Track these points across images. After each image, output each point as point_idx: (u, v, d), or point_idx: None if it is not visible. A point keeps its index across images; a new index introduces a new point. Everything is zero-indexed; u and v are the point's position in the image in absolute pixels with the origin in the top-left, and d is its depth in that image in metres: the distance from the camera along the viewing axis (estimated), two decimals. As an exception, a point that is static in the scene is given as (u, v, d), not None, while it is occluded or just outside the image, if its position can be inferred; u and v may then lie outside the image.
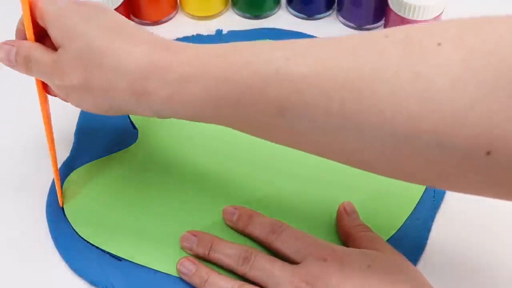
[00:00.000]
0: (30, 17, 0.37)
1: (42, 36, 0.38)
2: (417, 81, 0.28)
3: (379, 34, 0.30)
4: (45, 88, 0.40)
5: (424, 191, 0.44)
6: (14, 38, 0.40)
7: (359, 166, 0.33)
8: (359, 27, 0.57)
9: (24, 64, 0.38)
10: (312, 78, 0.30)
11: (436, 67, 0.28)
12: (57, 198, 0.43)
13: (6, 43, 0.39)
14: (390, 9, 0.53)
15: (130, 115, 0.49)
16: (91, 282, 0.39)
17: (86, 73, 0.35)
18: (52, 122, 0.49)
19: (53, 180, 0.45)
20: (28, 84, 0.53)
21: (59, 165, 0.46)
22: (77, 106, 0.38)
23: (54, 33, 0.36)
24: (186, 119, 0.35)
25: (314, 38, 0.32)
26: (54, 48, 0.37)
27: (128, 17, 0.56)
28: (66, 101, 0.39)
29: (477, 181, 0.29)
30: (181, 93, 0.33)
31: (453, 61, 0.28)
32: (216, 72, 0.32)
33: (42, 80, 0.38)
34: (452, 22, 0.30)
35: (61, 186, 0.44)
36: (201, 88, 0.33)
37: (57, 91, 0.38)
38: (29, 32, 0.38)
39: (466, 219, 0.43)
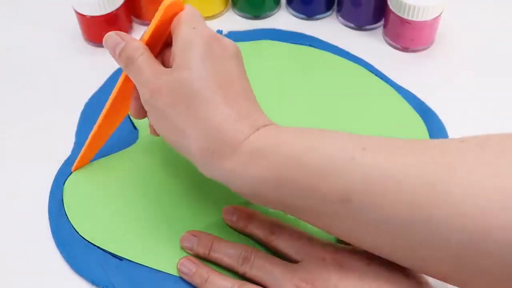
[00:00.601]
0: (158, 22, 0.37)
1: (168, 44, 0.38)
2: (494, 177, 0.28)
3: (454, 139, 0.31)
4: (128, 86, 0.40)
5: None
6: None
7: (421, 264, 0.32)
8: (359, 27, 0.57)
9: (124, 62, 0.38)
10: (385, 168, 0.30)
11: None
12: (59, 198, 0.44)
13: (118, 34, 0.38)
14: (390, 10, 0.53)
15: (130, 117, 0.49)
16: (92, 282, 0.40)
17: (173, 105, 0.35)
18: (52, 123, 0.49)
19: (55, 180, 0.45)
20: (26, 87, 0.53)
21: (59, 165, 0.46)
22: (152, 123, 0.38)
23: (175, 51, 0.36)
24: (239, 194, 0.35)
25: (388, 137, 0.33)
26: (166, 62, 0.38)
27: (129, 18, 0.56)
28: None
29: None
30: (247, 166, 0.33)
31: None
32: (288, 150, 0.32)
33: (134, 83, 0.38)
34: None
35: (62, 189, 0.44)
36: (269, 164, 0.33)
37: (142, 102, 0.37)
38: (147, 35, 0.38)
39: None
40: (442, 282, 0.37)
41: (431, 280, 0.36)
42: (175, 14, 0.37)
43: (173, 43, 0.37)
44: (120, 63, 0.38)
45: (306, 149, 0.32)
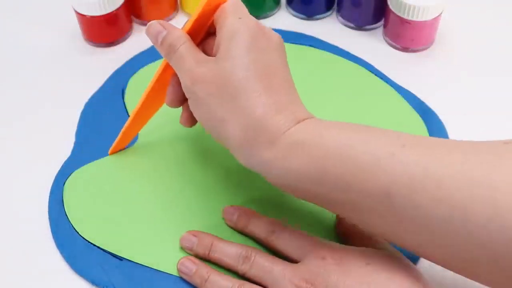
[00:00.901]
0: (201, 12, 0.37)
1: (209, 34, 0.39)
2: None
3: (496, 141, 0.31)
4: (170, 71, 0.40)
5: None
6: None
7: (458, 269, 0.32)
8: (359, 27, 0.57)
9: (166, 50, 0.38)
10: (425, 165, 0.30)
11: None
12: (59, 198, 0.44)
13: (160, 23, 0.39)
14: (390, 10, 0.53)
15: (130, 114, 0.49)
16: (92, 282, 0.40)
17: (215, 93, 0.35)
18: (52, 123, 0.49)
19: (55, 180, 0.45)
20: (26, 87, 0.53)
21: (59, 165, 0.46)
22: (192, 110, 0.38)
23: (219, 40, 0.36)
24: (278, 186, 0.35)
25: (425, 136, 0.33)
26: (208, 51, 0.38)
27: (129, 18, 0.56)
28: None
29: None
30: (286, 158, 0.34)
31: None
32: (329, 144, 0.33)
33: (175, 70, 0.38)
34: None
35: (62, 189, 0.44)
36: (309, 157, 0.33)
37: (183, 89, 0.38)
38: (189, 24, 0.38)
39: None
40: (443, 280, 0.37)
41: (431, 278, 0.36)
42: (218, 4, 0.38)
43: (218, 33, 0.37)
44: (161, 52, 0.39)
45: (347, 143, 0.32)
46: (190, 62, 0.37)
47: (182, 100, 0.40)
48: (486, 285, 0.31)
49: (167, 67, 0.40)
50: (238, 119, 0.35)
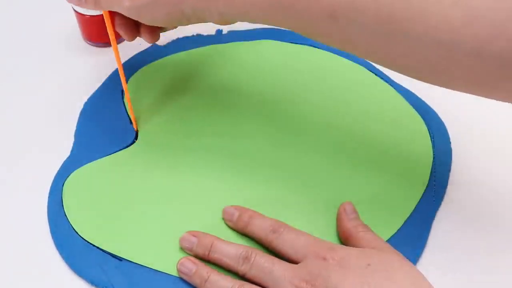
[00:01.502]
0: None
1: None
2: None
3: None
4: (113, 25, 0.42)
5: (425, 191, 0.44)
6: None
7: (404, 71, 0.35)
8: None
9: (93, 1, 0.39)
10: None
11: None
12: (58, 199, 0.44)
13: None
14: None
15: (129, 115, 0.49)
16: (91, 282, 0.40)
17: None
18: (52, 123, 0.49)
19: (54, 180, 0.45)
20: (26, 87, 0.53)
21: (59, 165, 0.46)
22: (150, 22, 0.39)
23: None
24: (247, 21, 0.37)
25: None
26: None
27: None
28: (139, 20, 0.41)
29: None
30: None
31: None
32: None
33: (112, 9, 0.39)
34: None
35: (61, 190, 0.44)
36: None
37: (129, 14, 0.39)
38: None
39: (466, 219, 0.43)
40: (444, 281, 0.37)
41: (431, 278, 0.36)
42: None
43: None
44: (90, 5, 0.40)
45: None
46: None
47: (134, 31, 0.42)
48: (429, 83, 0.36)
49: (109, 20, 0.41)
50: None
